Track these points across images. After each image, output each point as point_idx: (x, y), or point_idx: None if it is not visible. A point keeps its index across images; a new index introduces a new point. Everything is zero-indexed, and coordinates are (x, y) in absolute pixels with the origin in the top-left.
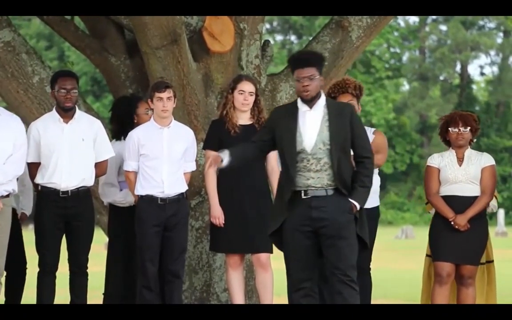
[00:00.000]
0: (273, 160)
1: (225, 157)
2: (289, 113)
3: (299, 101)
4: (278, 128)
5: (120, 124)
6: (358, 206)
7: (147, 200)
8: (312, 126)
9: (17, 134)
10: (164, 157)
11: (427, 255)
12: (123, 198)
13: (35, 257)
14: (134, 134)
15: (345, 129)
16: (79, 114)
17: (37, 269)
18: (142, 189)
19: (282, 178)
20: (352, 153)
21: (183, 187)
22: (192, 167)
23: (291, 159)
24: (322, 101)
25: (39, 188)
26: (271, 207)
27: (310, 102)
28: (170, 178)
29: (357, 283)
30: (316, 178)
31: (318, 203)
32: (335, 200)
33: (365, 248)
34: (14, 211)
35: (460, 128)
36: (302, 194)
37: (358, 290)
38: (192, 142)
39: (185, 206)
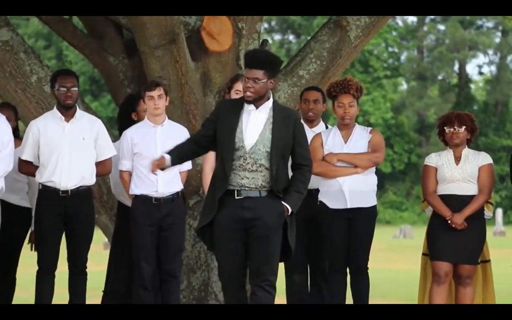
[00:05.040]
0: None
1: (166, 159)
2: (234, 109)
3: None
4: (220, 122)
5: (123, 122)
6: (290, 210)
7: (142, 200)
8: (255, 126)
9: (2, 132)
10: (158, 155)
11: (423, 254)
12: None
13: (35, 256)
14: (128, 134)
15: (288, 136)
16: (80, 113)
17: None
18: (136, 189)
19: (216, 174)
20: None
21: (178, 186)
22: (188, 166)
23: (227, 156)
24: (269, 103)
25: (39, 187)
26: (203, 203)
27: (255, 102)
28: (164, 176)
29: (274, 287)
30: (251, 179)
31: (250, 204)
32: (268, 202)
33: (290, 255)
34: (28, 210)
35: (455, 127)
36: (235, 194)
37: (274, 294)
38: None
39: (181, 205)
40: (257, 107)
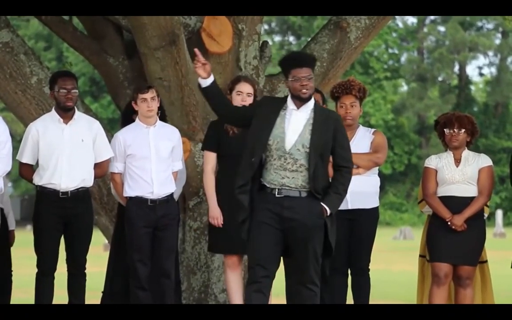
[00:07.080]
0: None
1: (210, 78)
2: (276, 107)
3: (289, 99)
4: (259, 116)
5: (126, 124)
6: (328, 211)
7: (137, 202)
8: (295, 126)
9: (0, 132)
10: (152, 156)
11: (420, 256)
12: None
13: (34, 257)
14: (120, 135)
15: (327, 136)
16: (78, 115)
17: (36, 270)
18: (131, 191)
19: (244, 165)
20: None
21: (172, 187)
22: (179, 166)
23: (260, 151)
24: (310, 104)
25: (38, 189)
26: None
27: (303, 102)
28: (159, 177)
29: (318, 285)
30: (291, 178)
31: (291, 204)
32: (307, 202)
33: (330, 254)
34: (1, 210)
35: (455, 130)
36: (276, 192)
37: (317, 292)
38: (178, 141)
39: (175, 206)
40: (298, 108)
